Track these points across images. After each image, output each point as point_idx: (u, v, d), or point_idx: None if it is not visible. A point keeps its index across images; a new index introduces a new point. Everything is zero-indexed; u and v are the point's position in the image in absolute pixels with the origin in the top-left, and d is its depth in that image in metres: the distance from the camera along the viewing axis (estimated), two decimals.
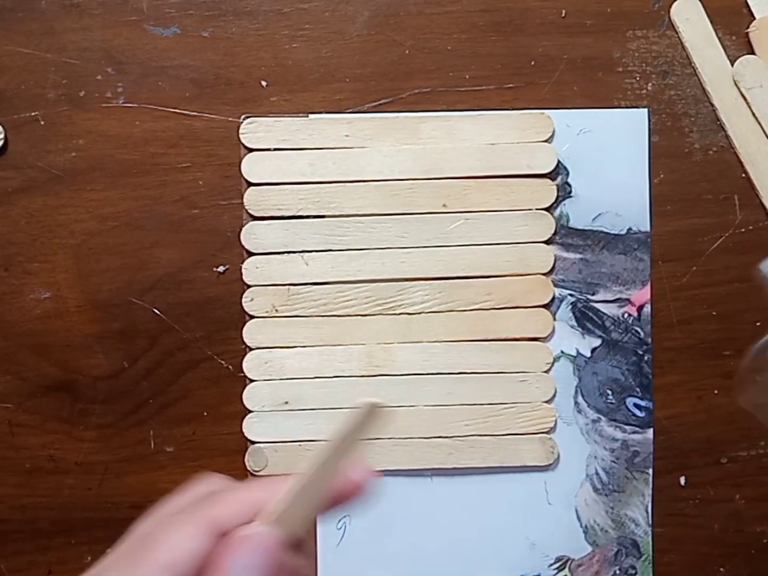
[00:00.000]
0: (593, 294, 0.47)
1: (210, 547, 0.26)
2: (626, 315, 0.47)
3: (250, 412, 0.46)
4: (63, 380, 0.46)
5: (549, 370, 0.47)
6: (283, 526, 0.26)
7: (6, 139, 0.45)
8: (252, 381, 0.46)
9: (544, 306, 0.47)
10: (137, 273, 0.46)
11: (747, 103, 0.47)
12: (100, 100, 0.46)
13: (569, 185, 0.47)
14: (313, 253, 0.46)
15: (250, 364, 0.46)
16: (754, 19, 0.47)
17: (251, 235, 0.46)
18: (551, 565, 0.47)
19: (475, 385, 0.46)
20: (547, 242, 0.46)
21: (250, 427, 0.46)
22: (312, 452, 0.27)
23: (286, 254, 0.46)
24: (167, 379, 0.46)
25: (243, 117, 0.46)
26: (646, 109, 0.47)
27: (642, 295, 0.47)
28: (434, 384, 0.46)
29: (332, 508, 0.28)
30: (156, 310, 0.46)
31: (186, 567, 0.25)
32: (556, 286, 0.47)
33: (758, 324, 0.47)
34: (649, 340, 0.47)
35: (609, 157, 0.47)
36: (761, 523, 0.48)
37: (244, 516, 0.27)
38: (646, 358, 0.47)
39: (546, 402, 0.47)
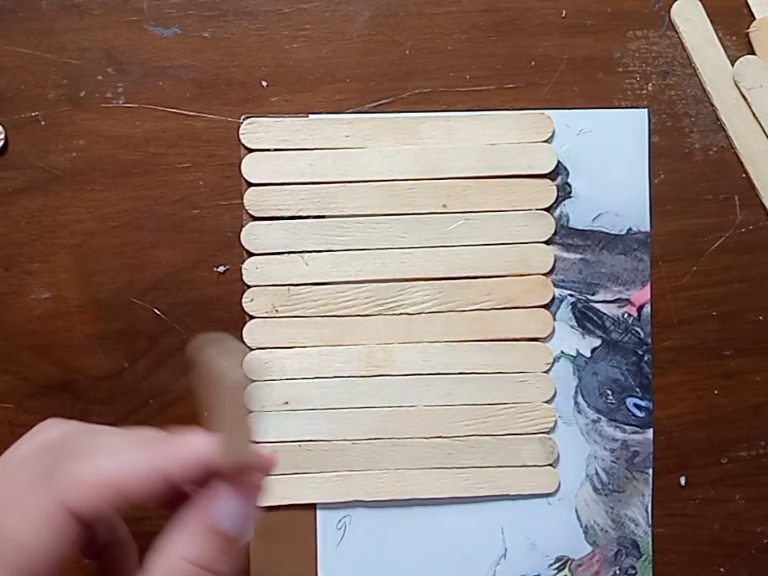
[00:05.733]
0: (593, 294, 0.47)
1: (69, 533, 0.23)
2: (626, 315, 0.47)
3: (250, 412, 0.46)
4: (63, 380, 0.46)
5: (549, 370, 0.47)
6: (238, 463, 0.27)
7: (6, 139, 0.45)
8: (252, 381, 0.46)
9: (544, 306, 0.47)
10: (138, 273, 0.46)
11: (747, 104, 0.47)
12: (100, 101, 0.46)
13: (569, 185, 0.47)
14: (313, 254, 0.46)
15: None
16: (755, 19, 0.47)
17: (251, 236, 0.46)
18: (551, 565, 0.47)
19: (475, 385, 0.46)
20: (547, 242, 0.46)
21: None
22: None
23: (286, 254, 0.46)
24: (168, 380, 0.46)
25: (243, 117, 0.46)
26: (646, 110, 0.47)
27: (642, 295, 0.47)
28: (434, 384, 0.46)
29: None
30: (156, 311, 0.46)
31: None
32: (556, 286, 0.47)
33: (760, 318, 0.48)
34: (649, 340, 0.47)
35: (609, 157, 0.47)
36: (761, 523, 0.48)
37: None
38: (646, 358, 0.47)
39: (546, 402, 0.47)
